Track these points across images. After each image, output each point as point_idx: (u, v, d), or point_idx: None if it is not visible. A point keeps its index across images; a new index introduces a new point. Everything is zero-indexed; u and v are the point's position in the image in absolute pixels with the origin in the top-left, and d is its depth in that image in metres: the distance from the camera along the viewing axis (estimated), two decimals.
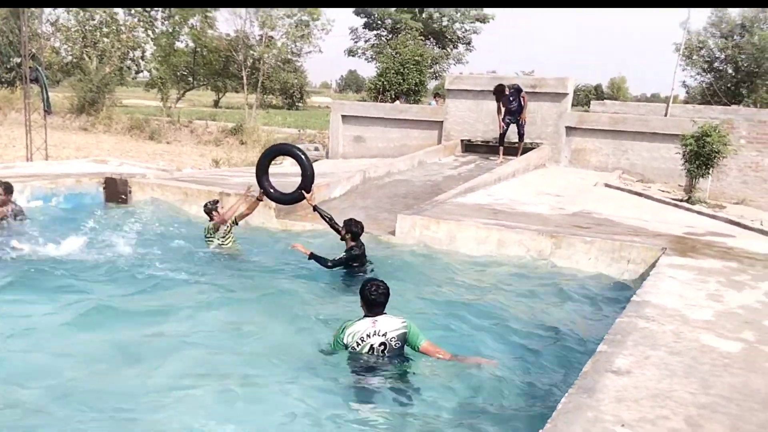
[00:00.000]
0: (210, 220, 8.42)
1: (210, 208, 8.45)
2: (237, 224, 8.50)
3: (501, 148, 14.74)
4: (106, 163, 14.15)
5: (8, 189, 8.72)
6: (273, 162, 8.72)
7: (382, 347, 4.93)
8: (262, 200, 8.52)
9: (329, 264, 7.28)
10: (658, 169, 14.36)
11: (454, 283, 7.44)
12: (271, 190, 8.47)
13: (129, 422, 4.20)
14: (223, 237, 8.33)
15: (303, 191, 8.21)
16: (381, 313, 5.04)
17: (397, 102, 22.59)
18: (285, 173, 8.90)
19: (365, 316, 5.06)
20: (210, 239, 8.35)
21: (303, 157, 8.16)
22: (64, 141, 22.56)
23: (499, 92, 14.23)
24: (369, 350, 4.92)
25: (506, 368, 5.18)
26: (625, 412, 3.53)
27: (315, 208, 8.06)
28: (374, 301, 5.01)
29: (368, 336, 4.93)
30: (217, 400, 4.42)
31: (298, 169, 8.40)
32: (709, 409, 3.66)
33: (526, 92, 14.46)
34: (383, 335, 4.93)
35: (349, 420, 4.33)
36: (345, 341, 4.99)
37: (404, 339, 4.99)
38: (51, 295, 6.40)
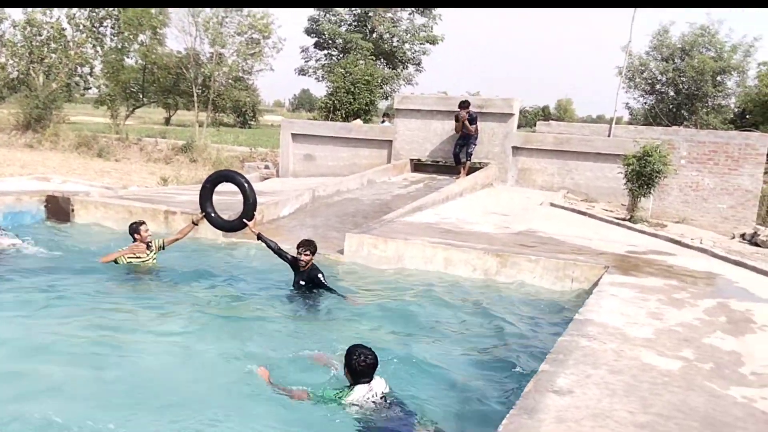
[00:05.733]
0: (133, 241, 8.20)
1: (134, 229, 8.22)
2: (164, 249, 8.35)
3: (458, 165, 15.02)
4: (49, 181, 13.77)
5: None
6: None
7: (383, 399, 4.66)
8: (197, 224, 8.37)
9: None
10: (602, 188, 14.64)
11: (399, 302, 7.36)
12: (213, 215, 8.33)
13: None
14: (140, 258, 8.15)
15: (245, 220, 8.05)
16: (370, 380, 4.75)
17: (358, 121, 22.38)
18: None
19: (355, 383, 4.73)
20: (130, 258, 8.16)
21: (246, 185, 8.02)
22: (8, 158, 21.93)
23: (462, 107, 14.66)
24: (373, 404, 4.62)
25: (449, 388, 5.17)
26: None
27: (259, 237, 7.79)
28: (362, 372, 4.70)
29: (369, 398, 4.64)
30: None
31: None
32: (648, 428, 3.70)
33: (475, 112, 14.73)
34: (381, 391, 4.70)
35: None
36: (343, 404, 4.66)
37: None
38: None
